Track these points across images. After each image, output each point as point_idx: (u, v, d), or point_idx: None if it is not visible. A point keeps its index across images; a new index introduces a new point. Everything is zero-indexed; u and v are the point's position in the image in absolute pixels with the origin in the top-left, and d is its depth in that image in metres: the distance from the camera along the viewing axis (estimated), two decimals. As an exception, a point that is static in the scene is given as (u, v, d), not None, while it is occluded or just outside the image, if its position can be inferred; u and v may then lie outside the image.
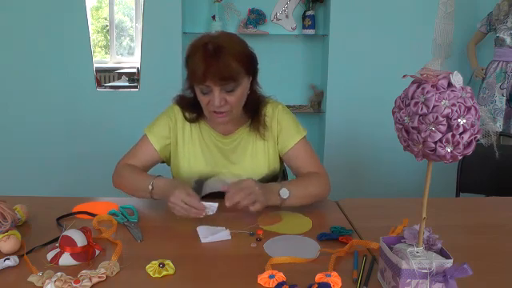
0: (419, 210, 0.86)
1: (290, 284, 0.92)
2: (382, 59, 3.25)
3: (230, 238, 1.16)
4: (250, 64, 1.32)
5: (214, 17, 3.28)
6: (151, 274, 0.96)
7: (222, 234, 1.16)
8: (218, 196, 1.33)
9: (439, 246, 0.90)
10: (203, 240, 1.14)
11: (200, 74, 1.24)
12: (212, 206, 1.21)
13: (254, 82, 1.39)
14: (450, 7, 3.15)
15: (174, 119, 1.44)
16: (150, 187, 1.28)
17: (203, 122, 1.45)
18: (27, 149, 3.20)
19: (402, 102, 0.81)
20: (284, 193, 1.26)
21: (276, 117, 1.44)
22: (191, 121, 1.43)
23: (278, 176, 1.54)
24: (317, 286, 0.91)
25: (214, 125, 1.44)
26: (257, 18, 3.34)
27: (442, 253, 0.89)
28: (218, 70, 1.22)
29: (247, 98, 1.37)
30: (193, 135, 1.44)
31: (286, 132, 1.44)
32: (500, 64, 3.03)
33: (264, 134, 1.43)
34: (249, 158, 1.44)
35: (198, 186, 1.44)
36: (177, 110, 1.45)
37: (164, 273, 0.96)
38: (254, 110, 1.43)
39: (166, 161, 1.50)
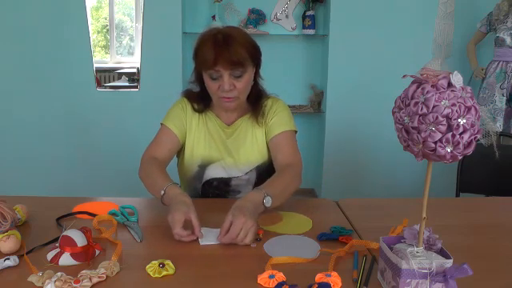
0: (419, 209, 0.86)
1: (290, 284, 0.92)
2: (382, 59, 3.25)
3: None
4: (255, 53, 1.41)
5: (214, 17, 3.28)
6: (151, 273, 0.96)
7: None
8: (217, 181, 1.49)
9: (439, 246, 0.90)
10: (201, 242, 1.14)
11: (211, 59, 1.32)
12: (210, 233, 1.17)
13: (257, 75, 1.47)
14: (450, 7, 3.13)
15: (185, 109, 1.52)
16: (162, 192, 1.26)
17: (210, 113, 1.53)
18: (27, 149, 3.20)
19: (402, 102, 0.81)
20: (267, 201, 1.23)
21: (274, 108, 1.52)
22: (199, 111, 1.51)
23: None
24: (317, 286, 0.91)
25: (220, 112, 1.52)
26: (257, 18, 3.34)
27: (442, 253, 0.89)
28: (228, 55, 1.32)
29: (251, 89, 1.45)
30: (199, 125, 1.52)
31: (276, 120, 1.49)
32: (500, 64, 3.04)
33: (262, 123, 1.50)
34: (248, 145, 1.50)
35: (201, 169, 1.51)
36: (186, 101, 1.53)
37: (164, 273, 0.96)
38: (255, 101, 1.51)
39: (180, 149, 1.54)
